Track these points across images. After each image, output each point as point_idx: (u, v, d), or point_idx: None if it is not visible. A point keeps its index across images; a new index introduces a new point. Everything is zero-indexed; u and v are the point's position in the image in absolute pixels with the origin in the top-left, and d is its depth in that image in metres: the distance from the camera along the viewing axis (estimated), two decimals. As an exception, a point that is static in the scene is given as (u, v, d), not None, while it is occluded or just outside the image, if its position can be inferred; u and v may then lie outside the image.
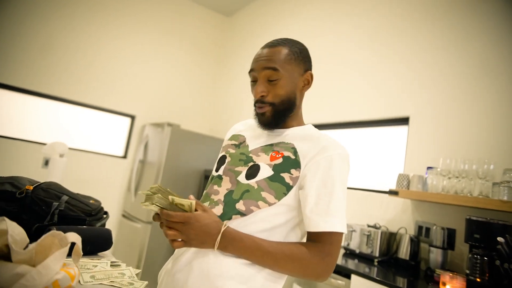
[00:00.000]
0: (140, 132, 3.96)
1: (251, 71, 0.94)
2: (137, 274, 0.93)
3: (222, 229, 0.79)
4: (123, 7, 3.90)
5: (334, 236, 0.83)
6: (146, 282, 0.88)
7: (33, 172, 2.85)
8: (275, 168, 0.87)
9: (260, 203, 0.85)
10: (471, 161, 1.74)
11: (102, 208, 1.37)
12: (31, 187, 1.22)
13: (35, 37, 3.36)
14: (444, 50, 2.15)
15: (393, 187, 2.06)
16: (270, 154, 0.90)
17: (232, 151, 0.98)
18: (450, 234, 1.82)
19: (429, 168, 1.92)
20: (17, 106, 3.36)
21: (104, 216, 1.37)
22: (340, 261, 1.93)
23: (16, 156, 3.25)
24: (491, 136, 1.84)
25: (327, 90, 2.92)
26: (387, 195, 2.26)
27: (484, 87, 1.92)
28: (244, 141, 1.00)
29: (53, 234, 0.70)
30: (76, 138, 3.65)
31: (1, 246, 0.65)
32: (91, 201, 1.35)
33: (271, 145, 0.93)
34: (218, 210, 0.86)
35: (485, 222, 1.57)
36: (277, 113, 0.92)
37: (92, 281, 0.84)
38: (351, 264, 1.88)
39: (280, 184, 0.85)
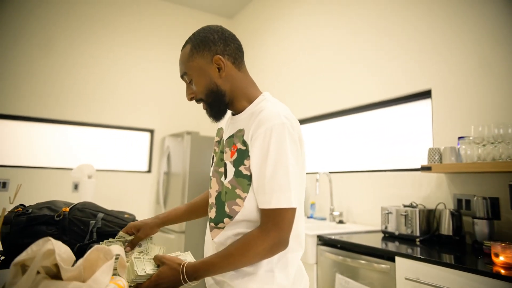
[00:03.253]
0: (161, 145, 4.01)
1: None
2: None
3: (182, 270, 0.87)
4: (126, 23, 3.97)
5: (274, 212, 0.85)
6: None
7: (65, 198, 2.91)
8: (235, 164, 0.93)
9: (238, 200, 0.91)
10: (505, 124, 1.65)
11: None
12: (67, 209, 1.24)
13: (45, 69, 3.47)
14: (457, 16, 2.06)
15: (424, 163, 1.99)
16: (230, 149, 0.95)
17: (216, 149, 1.07)
18: (493, 203, 1.74)
19: (460, 138, 1.84)
20: (39, 136, 3.46)
21: (140, 228, 1.38)
22: (380, 244, 1.88)
23: (46, 184, 3.35)
24: (523, 95, 1.75)
25: (344, 75, 2.86)
26: (418, 172, 2.19)
27: (507, 45, 1.83)
28: (222, 137, 1.06)
29: (98, 249, 0.70)
30: (100, 159, 3.73)
31: (50, 266, 0.65)
32: (125, 216, 1.37)
33: (232, 136, 0.97)
34: (213, 213, 0.98)
35: (530, 185, 1.49)
36: (210, 105, 0.98)
37: None
38: (392, 246, 1.83)
39: (242, 178, 0.91)
